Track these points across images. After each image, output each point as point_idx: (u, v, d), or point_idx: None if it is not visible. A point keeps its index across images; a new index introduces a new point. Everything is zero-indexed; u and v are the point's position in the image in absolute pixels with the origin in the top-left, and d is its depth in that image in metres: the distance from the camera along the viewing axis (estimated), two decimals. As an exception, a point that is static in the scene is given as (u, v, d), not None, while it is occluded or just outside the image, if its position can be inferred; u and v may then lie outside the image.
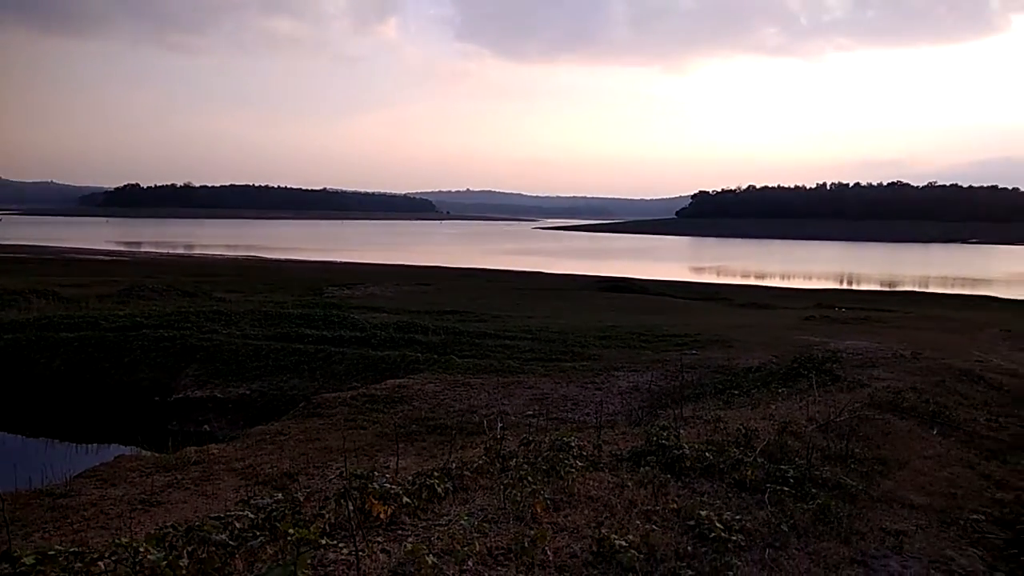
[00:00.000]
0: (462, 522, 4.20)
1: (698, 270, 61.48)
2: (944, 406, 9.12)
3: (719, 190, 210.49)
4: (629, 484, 5.23)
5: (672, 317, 24.00)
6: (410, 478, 5.11)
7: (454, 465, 5.56)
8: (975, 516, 5.62)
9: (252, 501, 4.59)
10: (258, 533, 4.01)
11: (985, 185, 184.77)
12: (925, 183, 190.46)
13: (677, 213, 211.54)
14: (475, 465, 5.62)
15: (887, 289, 45.30)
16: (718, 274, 57.01)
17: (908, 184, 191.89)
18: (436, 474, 5.23)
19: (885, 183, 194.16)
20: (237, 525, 4.06)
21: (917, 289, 45.03)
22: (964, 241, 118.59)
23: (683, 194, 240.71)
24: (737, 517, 4.57)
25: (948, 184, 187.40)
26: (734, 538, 4.25)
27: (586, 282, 39.66)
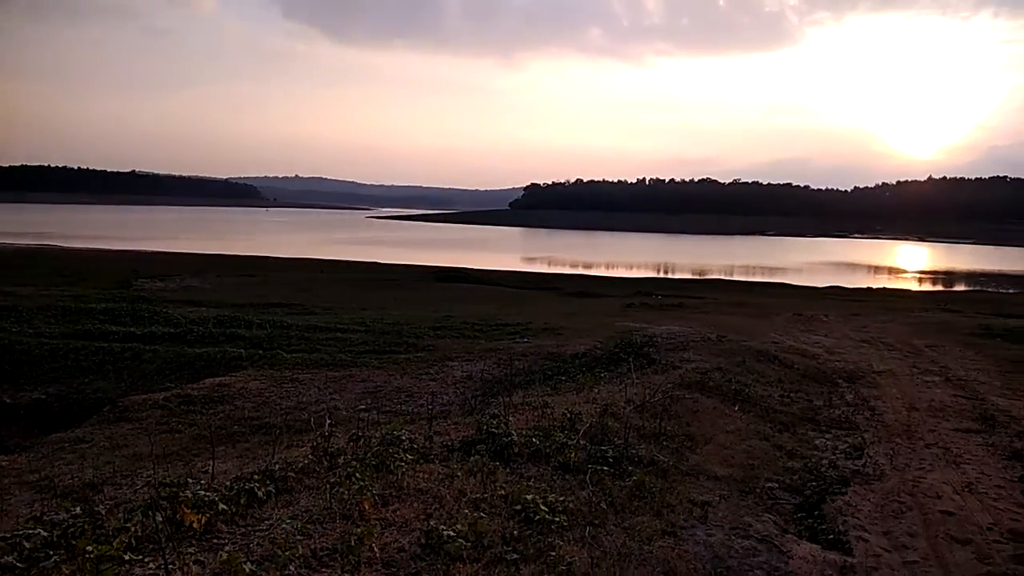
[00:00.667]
0: (284, 525, 4.03)
1: (530, 260, 63.31)
2: (745, 384, 10.04)
3: (550, 183, 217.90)
4: (459, 474, 5.28)
5: (506, 306, 24.55)
6: (228, 483, 4.84)
7: (278, 466, 5.33)
8: (770, 484, 6.24)
9: (46, 517, 4.14)
10: (52, 552, 3.63)
11: (781, 183, 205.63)
12: (731, 180, 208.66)
13: (511, 204, 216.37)
14: (301, 465, 5.42)
15: (698, 277, 49.15)
16: (549, 264, 59.06)
17: (716, 180, 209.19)
18: (257, 477, 4.99)
19: (696, 179, 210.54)
20: (27, 545, 3.66)
21: (723, 277, 49.23)
22: (763, 233, 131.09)
23: (517, 186, 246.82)
24: (561, 499, 4.75)
25: (751, 181, 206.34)
26: (557, 519, 4.42)
27: (422, 272, 39.56)
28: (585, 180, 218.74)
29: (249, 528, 4.27)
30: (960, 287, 49.35)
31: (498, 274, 40.33)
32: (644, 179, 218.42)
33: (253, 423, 9.98)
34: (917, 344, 15.93)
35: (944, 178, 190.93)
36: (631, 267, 59.41)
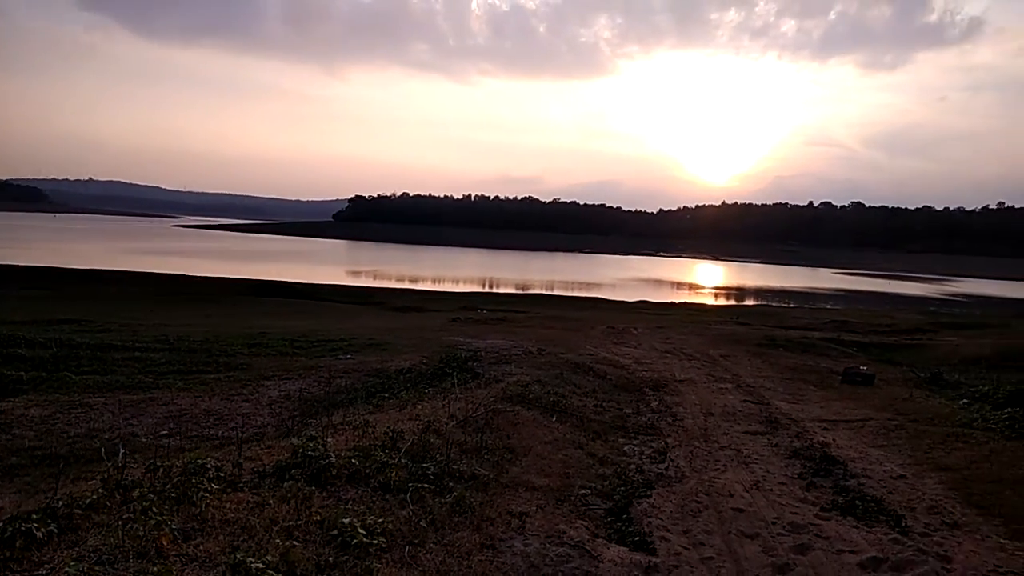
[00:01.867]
0: (67, 569, 3.61)
1: (355, 273, 62.00)
2: (563, 395, 10.45)
3: (376, 195, 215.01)
4: (271, 501, 5.01)
5: (328, 321, 23.80)
6: (1, 524, 4.25)
7: (62, 502, 4.76)
8: (583, 491, 6.51)
9: None
10: None
11: (597, 203, 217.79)
12: (552, 199, 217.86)
13: (334, 216, 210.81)
14: (89, 500, 4.88)
15: (521, 292, 50.68)
16: (375, 278, 58.17)
17: (539, 200, 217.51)
18: (36, 515, 4.43)
19: (520, 197, 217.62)
20: None
21: (545, 292, 51.15)
22: (580, 251, 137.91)
23: (340, 197, 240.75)
24: (380, 520, 4.65)
25: (570, 201, 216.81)
26: (376, 541, 4.31)
27: (237, 286, 37.37)
28: (412, 194, 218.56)
29: (25, 574, 3.78)
30: (749, 302, 54.80)
31: (321, 288, 39.08)
32: (470, 195, 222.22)
33: (35, 454, 8.86)
34: (713, 354, 17.42)
35: (736, 203, 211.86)
36: (457, 282, 60.01)
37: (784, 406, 11.68)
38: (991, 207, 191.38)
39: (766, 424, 10.26)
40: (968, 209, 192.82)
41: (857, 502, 6.49)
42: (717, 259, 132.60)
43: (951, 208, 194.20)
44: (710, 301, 52.71)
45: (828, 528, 5.90)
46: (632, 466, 7.62)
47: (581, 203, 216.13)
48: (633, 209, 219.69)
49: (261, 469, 5.87)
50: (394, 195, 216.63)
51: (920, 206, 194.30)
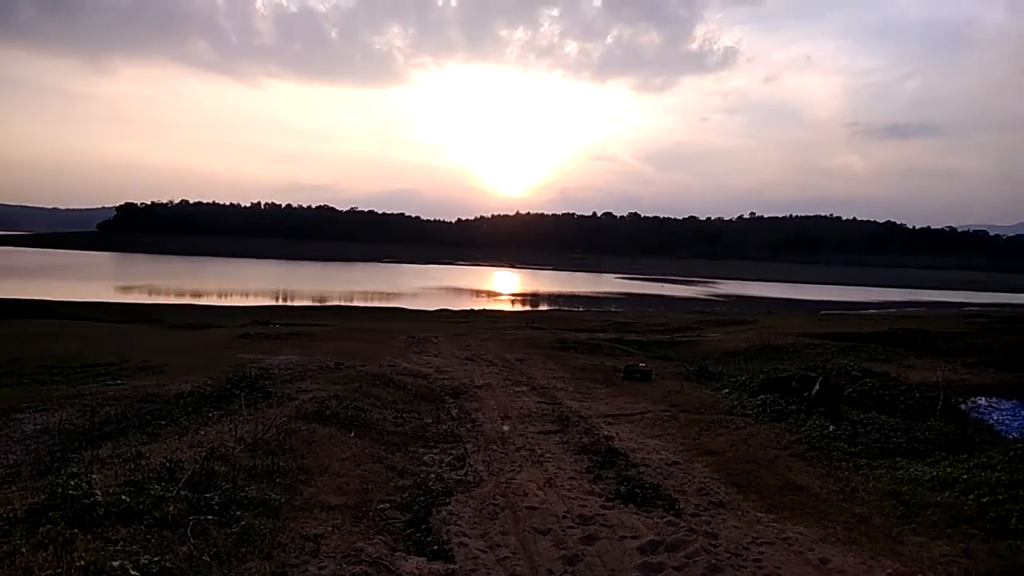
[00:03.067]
0: None
1: (126, 289, 56.35)
2: (362, 409, 10.25)
3: (149, 203, 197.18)
4: (24, 550, 4.40)
5: (95, 343, 21.35)
6: None
7: None
8: (382, 505, 6.43)
9: None
10: None
11: (395, 212, 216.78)
12: (348, 208, 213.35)
13: (99, 226, 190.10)
14: None
15: (318, 304, 49.03)
16: (150, 293, 53.26)
17: (335, 208, 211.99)
18: None
19: (315, 206, 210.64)
20: None
21: (343, 304, 49.89)
22: (379, 260, 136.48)
23: (108, 205, 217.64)
24: (156, 559, 4.26)
25: (367, 210, 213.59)
26: (151, 584, 3.95)
27: (-23, 307, 32.36)
28: (192, 201, 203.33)
29: None
30: (543, 307, 57.46)
31: (85, 306, 35.04)
32: (260, 203, 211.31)
33: None
34: (510, 358, 18.03)
35: (529, 213, 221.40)
36: (247, 295, 56.70)
37: (574, 404, 12.37)
38: (745, 216, 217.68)
39: (558, 423, 10.80)
40: (727, 218, 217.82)
41: (637, 490, 7.04)
42: (513, 266, 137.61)
43: (712, 218, 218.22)
44: (507, 307, 54.53)
45: (612, 517, 6.33)
46: (432, 475, 7.65)
47: (379, 212, 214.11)
48: (432, 218, 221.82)
49: (12, 515, 5.14)
50: (171, 202, 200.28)
51: (687, 216, 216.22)
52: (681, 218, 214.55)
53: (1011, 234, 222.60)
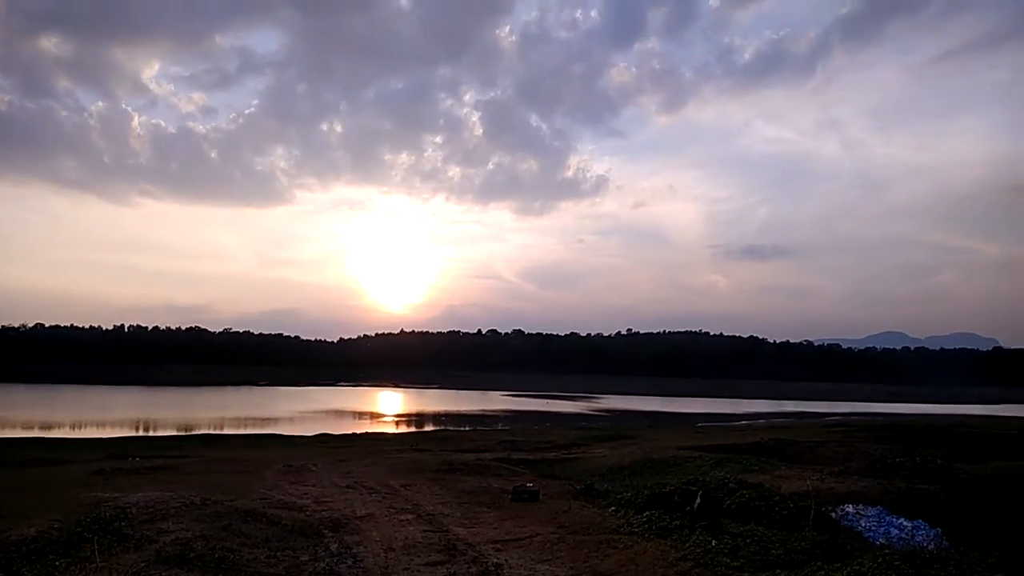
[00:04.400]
0: None
1: (-39, 423, 50.56)
2: (230, 550, 9.48)
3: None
4: None
5: (-84, 488, 18.78)
6: None
7: None
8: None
9: None
10: None
11: (273, 332, 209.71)
12: (222, 329, 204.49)
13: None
14: None
15: (183, 433, 45.73)
16: (-10, 427, 48.01)
17: (206, 329, 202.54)
18: None
19: (185, 327, 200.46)
20: None
21: (212, 431, 46.83)
22: (254, 383, 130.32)
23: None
24: None
25: (242, 331, 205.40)
26: None
27: None
28: (48, 325, 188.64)
29: None
30: (428, 427, 56.30)
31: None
32: (123, 325, 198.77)
33: None
34: (394, 484, 17.38)
35: (414, 331, 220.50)
36: (104, 426, 52.21)
37: (462, 531, 11.98)
38: (623, 332, 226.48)
39: (445, 552, 10.40)
40: (606, 334, 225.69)
41: (528, 621, 6.80)
42: (397, 386, 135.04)
43: (592, 333, 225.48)
44: (391, 429, 53.00)
45: (503, 653, 6.05)
46: (309, 620, 7.09)
47: (256, 332, 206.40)
48: (313, 338, 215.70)
49: None
50: (24, 326, 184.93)
51: (569, 332, 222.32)
52: (563, 334, 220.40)
53: (861, 347, 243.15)
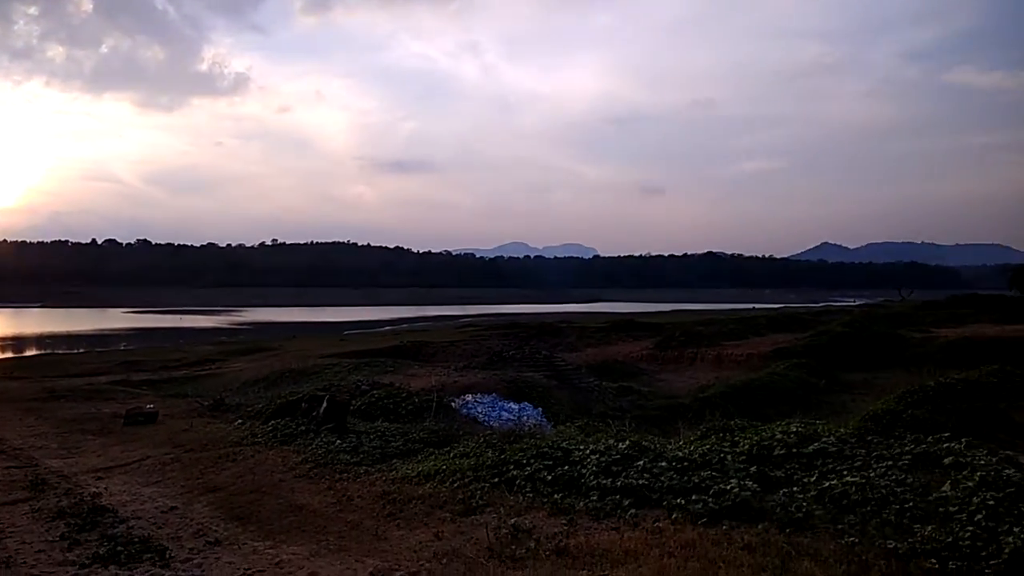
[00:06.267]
0: None
1: None
2: None
3: None
4: None
5: None
6: None
7: None
8: None
9: None
10: None
11: None
12: None
13: None
14: None
15: None
16: None
17: None
18: None
19: None
20: None
21: None
22: None
23: None
24: None
25: None
26: None
27: None
28: None
29: None
30: (30, 352, 48.27)
31: None
32: None
33: None
34: (-28, 421, 14.61)
35: (6, 241, 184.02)
36: None
37: (56, 463, 10.56)
38: (267, 243, 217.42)
39: (31, 488, 9.05)
40: (249, 245, 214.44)
41: (121, 548, 6.25)
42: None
43: (234, 244, 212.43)
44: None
45: (88, 586, 5.49)
46: None
47: None
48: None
49: None
50: None
51: (206, 243, 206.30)
52: (199, 244, 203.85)
53: (492, 256, 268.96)
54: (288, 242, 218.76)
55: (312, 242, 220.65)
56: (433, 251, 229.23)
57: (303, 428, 11.17)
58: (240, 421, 13.05)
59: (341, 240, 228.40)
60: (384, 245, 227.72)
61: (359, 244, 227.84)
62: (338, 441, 10.18)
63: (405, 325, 71.47)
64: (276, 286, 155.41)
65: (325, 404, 11.36)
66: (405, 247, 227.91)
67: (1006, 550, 4.84)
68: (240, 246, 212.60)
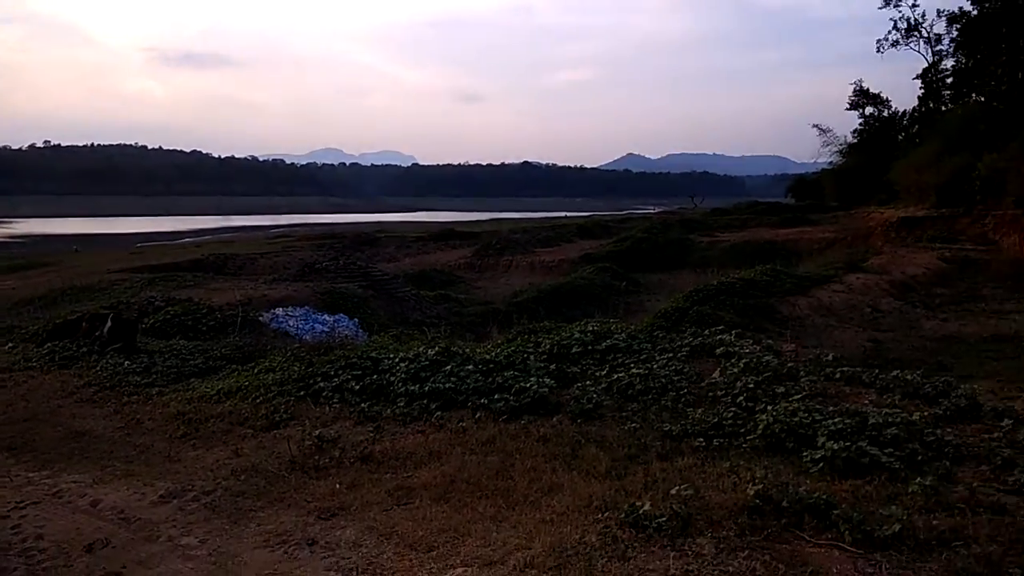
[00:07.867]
0: None
1: None
2: None
3: None
4: None
5: None
6: None
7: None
8: None
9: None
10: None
11: None
12: None
13: None
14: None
15: None
16: None
17: None
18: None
19: None
20: None
21: None
22: None
23: None
24: None
25: None
26: None
27: None
28: None
29: None
30: None
31: None
32: None
33: None
34: None
35: None
36: None
37: None
38: (38, 144, 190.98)
39: None
40: (16, 147, 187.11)
41: None
42: None
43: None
44: None
45: None
46: None
47: None
48: None
49: None
50: None
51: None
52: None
53: (304, 163, 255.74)
54: (64, 143, 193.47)
55: (93, 144, 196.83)
56: (237, 156, 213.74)
57: (85, 350, 10.18)
58: (11, 345, 11.63)
59: (128, 142, 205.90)
60: (179, 148, 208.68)
61: (149, 147, 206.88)
62: (127, 362, 9.40)
63: (208, 236, 66.71)
64: (52, 194, 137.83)
65: (110, 323, 10.38)
66: (204, 151, 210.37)
67: (760, 426, 5.56)
68: (6, 148, 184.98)
